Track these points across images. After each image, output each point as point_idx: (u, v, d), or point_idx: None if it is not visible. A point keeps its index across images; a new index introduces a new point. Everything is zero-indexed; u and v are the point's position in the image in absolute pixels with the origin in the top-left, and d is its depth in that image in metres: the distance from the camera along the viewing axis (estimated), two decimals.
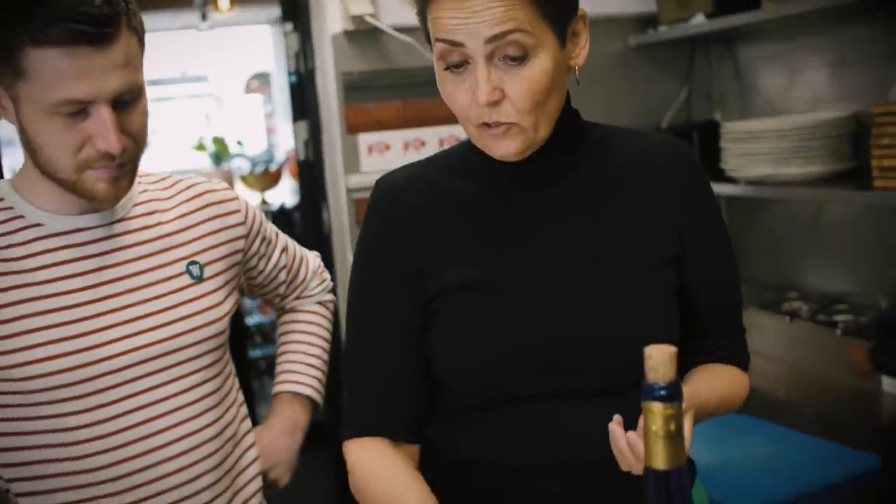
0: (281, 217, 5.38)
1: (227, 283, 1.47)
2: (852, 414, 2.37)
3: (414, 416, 1.32)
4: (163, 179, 1.49)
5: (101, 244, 1.34)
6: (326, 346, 1.73)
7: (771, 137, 2.53)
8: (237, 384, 1.52)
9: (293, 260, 1.67)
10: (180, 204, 1.45)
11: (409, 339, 1.30)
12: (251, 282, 1.60)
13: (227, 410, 1.45)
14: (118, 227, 1.36)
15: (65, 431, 1.30)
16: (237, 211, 1.51)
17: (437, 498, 1.23)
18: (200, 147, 6.10)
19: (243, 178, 5.80)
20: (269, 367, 5.71)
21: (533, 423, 1.26)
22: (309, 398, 1.68)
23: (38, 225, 1.32)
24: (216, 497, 1.40)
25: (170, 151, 6.35)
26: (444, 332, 1.28)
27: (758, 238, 3.04)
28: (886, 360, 2.39)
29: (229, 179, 5.82)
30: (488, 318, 1.26)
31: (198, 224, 1.45)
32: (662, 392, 0.86)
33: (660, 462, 0.87)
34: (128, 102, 1.26)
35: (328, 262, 3.18)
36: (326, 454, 3.96)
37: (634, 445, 1.13)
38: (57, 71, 1.19)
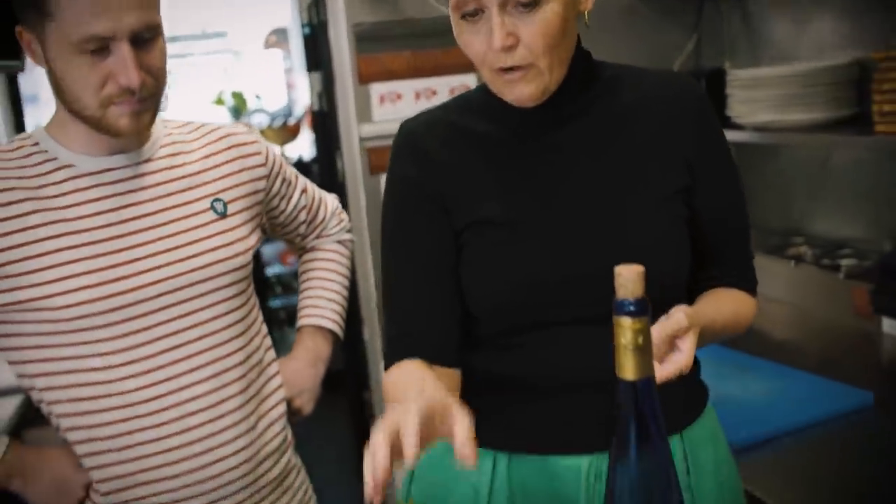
0: (299, 169, 5.45)
1: (250, 219, 1.55)
2: (852, 354, 2.42)
3: (451, 340, 1.39)
4: (187, 125, 1.58)
5: (128, 183, 1.42)
6: (346, 282, 1.84)
7: (775, 84, 2.56)
8: (261, 317, 1.60)
9: (312, 201, 1.76)
10: (204, 146, 1.54)
11: (442, 268, 1.38)
12: (273, 221, 1.69)
13: (251, 339, 1.53)
14: (145, 168, 1.44)
15: (98, 357, 1.38)
16: (258, 153, 1.59)
17: (472, 418, 1.19)
18: (219, 102, 6.16)
19: (262, 133, 5.86)
20: (289, 317, 5.80)
21: (556, 346, 1.35)
22: (330, 331, 1.79)
23: (69, 166, 1.40)
24: (242, 420, 1.48)
25: (189, 107, 6.42)
26: (471, 265, 1.37)
27: (765, 184, 3.07)
28: (886, 303, 2.44)
29: None
30: (511, 252, 1.34)
31: (221, 165, 1.53)
32: (631, 308, 0.92)
33: (629, 373, 0.93)
34: (147, 41, 1.34)
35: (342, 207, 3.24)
36: (344, 401, 4.06)
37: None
38: (79, 9, 1.28)
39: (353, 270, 3.58)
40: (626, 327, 0.92)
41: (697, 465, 1.46)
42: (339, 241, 1.86)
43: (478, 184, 1.38)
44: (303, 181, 1.75)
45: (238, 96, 6.16)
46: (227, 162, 1.54)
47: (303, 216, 1.75)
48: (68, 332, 1.37)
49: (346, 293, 1.83)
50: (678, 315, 1.22)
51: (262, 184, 1.59)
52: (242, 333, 1.51)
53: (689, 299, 1.42)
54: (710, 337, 1.35)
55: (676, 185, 1.38)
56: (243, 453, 1.48)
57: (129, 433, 1.41)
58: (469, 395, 1.37)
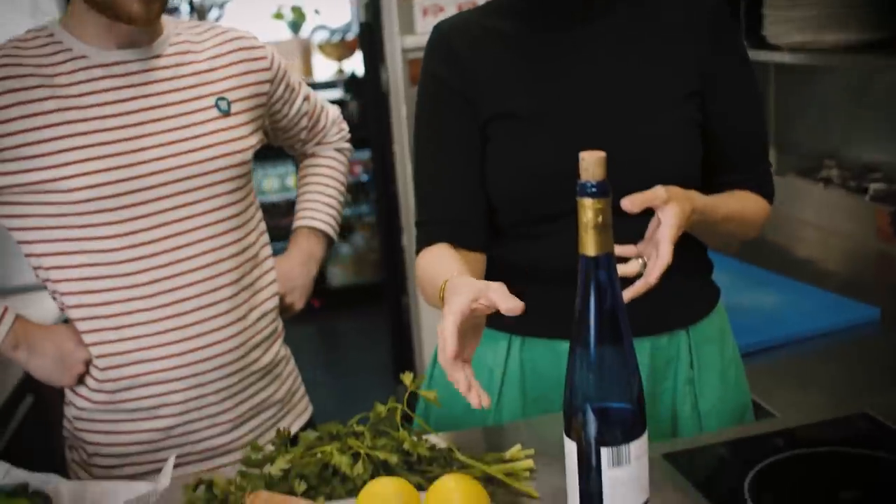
0: (353, 84, 5.54)
1: (252, 120, 1.63)
2: (867, 273, 2.48)
3: (478, 226, 1.50)
4: (198, 26, 1.66)
5: (138, 76, 1.52)
6: (342, 188, 1.92)
7: (812, 3, 2.57)
8: (260, 216, 1.70)
9: (314, 108, 1.84)
10: (212, 47, 1.62)
11: (469, 159, 1.49)
12: (275, 126, 1.77)
13: (247, 234, 1.63)
14: (154, 63, 1.53)
15: (102, 239, 1.48)
16: (263, 57, 1.68)
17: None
18: (278, 16, 6.23)
19: (321, 48, 5.94)
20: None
21: (568, 235, 1.42)
22: (324, 233, 1.88)
23: (83, 57, 1.50)
24: (233, 308, 1.58)
25: (248, 20, 6.49)
26: (492, 157, 1.48)
27: (800, 107, 3.09)
28: None
29: (307, 49, 5.98)
30: (527, 144, 1.45)
31: (227, 66, 1.61)
32: (593, 189, 1.01)
33: (590, 249, 1.02)
34: None
35: (385, 118, 3.34)
36: (386, 313, 4.20)
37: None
38: None
39: (393, 179, 3.69)
40: (587, 207, 1.01)
41: (702, 361, 1.56)
42: (338, 150, 1.93)
43: (502, 79, 1.48)
44: (306, 90, 1.82)
45: (297, 10, 6.22)
46: (233, 63, 1.62)
47: (304, 122, 1.82)
48: (75, 214, 1.46)
49: (342, 199, 1.91)
50: (657, 189, 1.30)
51: (265, 87, 1.67)
52: (239, 227, 1.60)
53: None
54: (711, 224, 1.44)
55: (688, 87, 1.46)
56: (234, 340, 1.58)
57: (128, 313, 1.51)
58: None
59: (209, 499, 1.23)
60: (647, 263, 1.32)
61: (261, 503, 1.16)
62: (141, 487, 1.18)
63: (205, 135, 1.54)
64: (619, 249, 1.31)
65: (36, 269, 1.55)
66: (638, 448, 1.06)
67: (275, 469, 1.24)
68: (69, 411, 1.62)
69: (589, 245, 1.02)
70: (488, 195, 1.49)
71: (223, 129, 1.56)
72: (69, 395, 1.61)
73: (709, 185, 1.51)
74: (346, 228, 5.91)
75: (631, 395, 1.06)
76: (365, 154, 5.56)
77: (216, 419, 1.59)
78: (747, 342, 1.93)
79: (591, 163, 1.01)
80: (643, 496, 1.08)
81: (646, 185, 1.33)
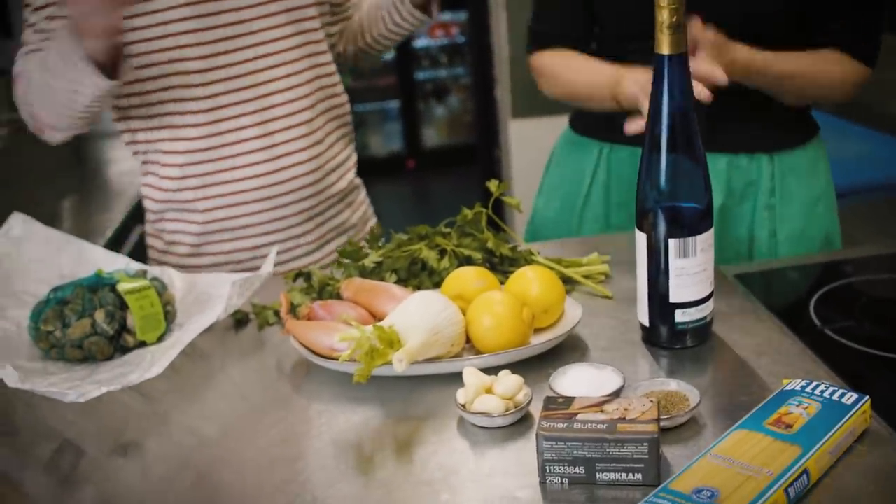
0: None
1: None
2: None
3: (585, 37, 1.66)
4: None
5: None
6: None
7: None
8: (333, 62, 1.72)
9: None
10: None
11: None
12: None
13: (326, 62, 1.67)
14: None
15: (191, 60, 1.52)
16: None
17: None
18: None
19: None
20: (434, 90, 6.01)
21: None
22: None
23: None
24: (310, 133, 1.62)
25: None
26: None
27: None
28: None
29: None
30: None
31: None
32: None
33: (665, 48, 1.08)
34: None
35: None
36: (478, 174, 4.27)
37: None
38: None
39: (487, 30, 3.71)
40: (662, 6, 1.06)
41: (786, 191, 1.60)
42: None
43: None
44: None
45: None
46: None
47: None
48: (160, 37, 1.50)
49: None
50: (708, 32, 1.36)
51: None
52: (316, 54, 1.63)
53: None
54: (765, 80, 1.48)
55: None
56: (311, 163, 1.63)
57: (219, 134, 1.56)
58: None
59: (307, 289, 1.35)
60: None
61: (354, 288, 1.27)
62: (243, 276, 1.30)
63: None
64: None
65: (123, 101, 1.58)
66: (703, 241, 1.13)
67: (368, 261, 1.34)
68: (154, 243, 1.71)
69: (664, 44, 1.07)
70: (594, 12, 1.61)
71: None
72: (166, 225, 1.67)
73: (803, 44, 1.52)
74: (441, 90, 5.96)
75: (699, 191, 1.13)
76: (461, 15, 5.57)
77: (299, 240, 1.66)
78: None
79: None
80: (707, 289, 1.16)
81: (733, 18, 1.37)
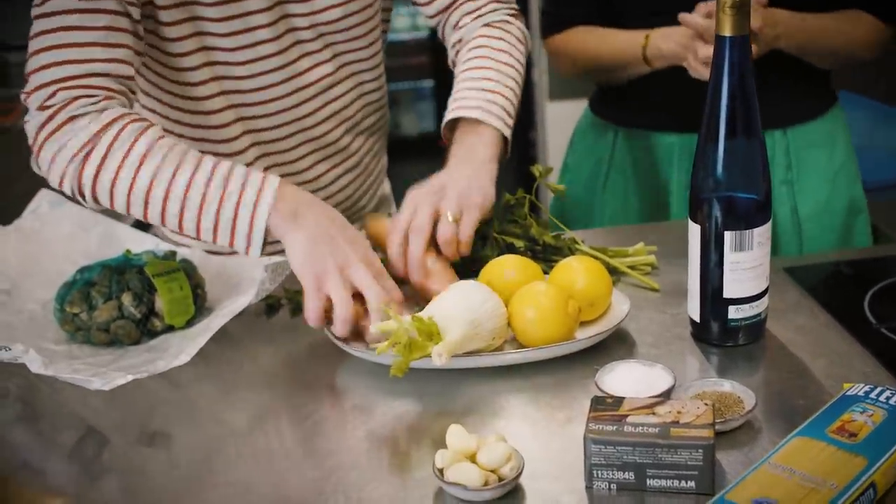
0: None
1: None
2: None
3: (600, 12, 1.62)
4: None
5: None
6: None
7: None
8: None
9: None
10: None
11: None
12: None
13: (378, 76, 1.51)
14: None
15: (230, 51, 1.34)
16: None
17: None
18: None
19: None
20: None
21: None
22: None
23: None
24: (346, 147, 1.50)
25: None
26: None
27: None
28: None
29: None
30: None
31: None
32: None
33: (726, 29, 1.02)
34: None
35: None
36: (513, 155, 4.21)
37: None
38: None
39: (526, 11, 3.64)
40: None
41: (803, 165, 1.59)
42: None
43: None
44: None
45: None
46: None
47: None
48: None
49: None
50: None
51: None
52: (369, 69, 1.49)
53: None
54: (806, 31, 1.47)
55: None
56: (348, 187, 1.52)
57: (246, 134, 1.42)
58: None
59: None
60: None
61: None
62: (276, 259, 1.25)
63: None
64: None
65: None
66: (761, 234, 1.07)
67: None
68: None
69: (726, 25, 1.01)
70: None
71: None
72: None
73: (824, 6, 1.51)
74: None
75: (757, 182, 1.07)
76: None
77: None
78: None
79: None
80: (763, 284, 1.10)
81: None
